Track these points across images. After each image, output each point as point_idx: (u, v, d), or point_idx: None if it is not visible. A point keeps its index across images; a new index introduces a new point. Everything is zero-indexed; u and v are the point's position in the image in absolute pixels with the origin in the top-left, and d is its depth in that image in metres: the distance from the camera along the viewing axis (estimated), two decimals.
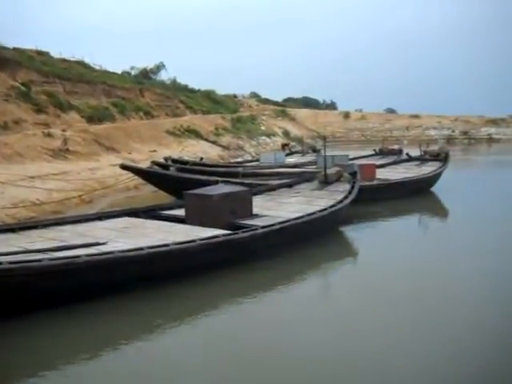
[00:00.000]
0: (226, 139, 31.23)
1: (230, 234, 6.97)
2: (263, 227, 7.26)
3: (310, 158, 19.93)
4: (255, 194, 9.73)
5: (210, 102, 45.20)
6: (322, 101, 78.06)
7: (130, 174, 12.81)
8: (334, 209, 8.66)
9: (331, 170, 10.47)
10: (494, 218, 10.51)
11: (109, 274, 5.65)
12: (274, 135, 39.64)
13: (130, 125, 26.16)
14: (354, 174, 10.25)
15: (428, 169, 14.77)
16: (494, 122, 52.45)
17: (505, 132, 50.27)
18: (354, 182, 9.95)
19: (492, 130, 50.86)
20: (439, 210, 12.60)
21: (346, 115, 57.17)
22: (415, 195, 12.79)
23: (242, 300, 5.86)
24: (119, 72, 41.81)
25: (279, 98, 66.65)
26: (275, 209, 9.01)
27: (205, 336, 4.92)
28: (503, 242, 8.43)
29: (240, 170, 15.33)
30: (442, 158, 15.58)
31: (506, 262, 7.25)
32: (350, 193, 9.53)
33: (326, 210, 8.50)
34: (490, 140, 48.20)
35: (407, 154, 16.92)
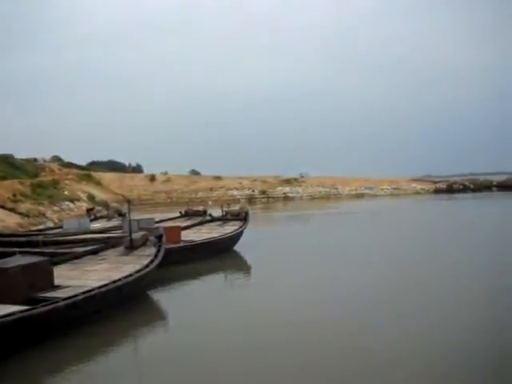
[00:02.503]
0: (25, 206, 29.22)
1: (27, 310, 6.54)
2: (65, 299, 6.97)
3: (116, 222, 19.58)
4: (57, 263, 9.34)
5: (7, 166, 42.20)
6: (127, 164, 77.83)
7: None
8: (140, 274, 8.68)
9: (137, 235, 10.50)
10: (288, 268, 11.49)
11: None
12: (78, 200, 38.24)
13: None
14: (159, 238, 10.39)
15: (230, 228, 15.51)
16: (287, 182, 57.39)
17: (297, 190, 55.28)
18: (160, 246, 10.09)
19: (286, 188, 55.55)
20: (242, 266, 13.31)
21: (152, 178, 57.57)
22: (220, 254, 13.37)
23: None
24: None
25: (83, 162, 64.88)
26: (80, 278, 8.73)
27: None
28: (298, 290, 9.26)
29: (40, 238, 14.47)
30: (242, 217, 16.46)
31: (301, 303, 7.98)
32: (155, 256, 9.64)
33: (131, 275, 8.48)
34: (286, 198, 52.52)
35: (210, 215, 17.54)
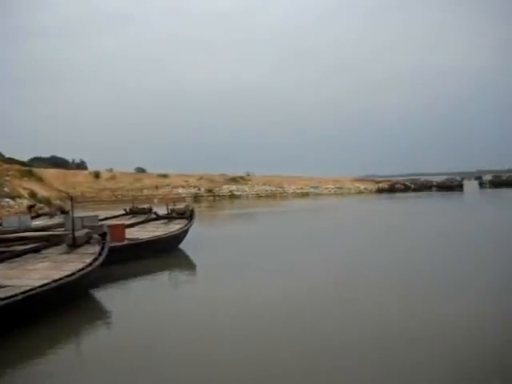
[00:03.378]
0: None
1: None
2: (3, 299, 6.84)
3: (58, 220, 19.16)
4: None
5: None
6: (71, 160, 75.96)
7: None
8: (82, 272, 8.60)
9: (80, 232, 10.37)
10: (231, 266, 11.65)
11: None
12: (19, 197, 37.02)
13: None
14: (103, 235, 10.33)
15: (175, 226, 15.52)
16: (234, 180, 57.62)
17: (244, 189, 55.60)
18: (104, 244, 10.03)
19: (233, 187, 55.79)
20: (186, 265, 13.37)
21: (97, 175, 56.54)
22: (164, 253, 13.39)
23: None
24: None
25: (25, 158, 62.97)
26: (20, 277, 8.55)
27: None
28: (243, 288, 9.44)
29: None
30: (188, 215, 16.50)
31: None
32: (99, 255, 9.57)
33: (74, 274, 8.40)
34: (232, 196, 52.74)
35: (155, 213, 17.48)
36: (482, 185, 62.95)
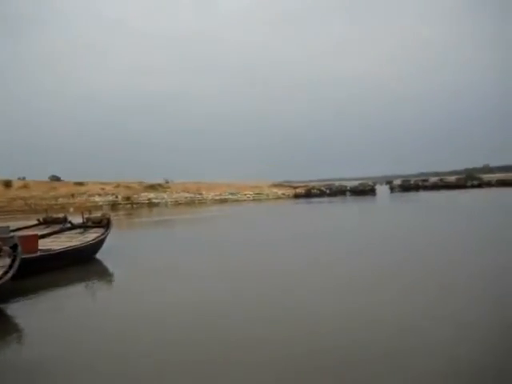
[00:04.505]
0: None
1: None
2: None
3: None
4: None
5: None
6: None
7: None
8: None
9: None
10: (147, 275, 11.67)
11: None
12: None
13: None
14: (14, 247, 10.03)
15: (92, 235, 15.22)
16: (152, 188, 56.97)
17: (162, 196, 55.11)
18: (15, 256, 9.74)
19: (151, 194, 55.13)
20: (102, 274, 13.09)
21: (8, 184, 53.96)
22: (80, 263, 13.14)
23: None
24: None
25: None
26: None
27: None
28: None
29: None
30: (104, 224, 16.25)
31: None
32: (10, 267, 9.29)
33: None
34: (151, 204, 52.11)
35: (70, 222, 17.03)
36: (392, 189, 66.33)
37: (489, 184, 66.93)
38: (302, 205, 44.56)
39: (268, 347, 6.46)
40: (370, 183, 66.52)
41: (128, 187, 55.89)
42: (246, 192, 58.37)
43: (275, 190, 61.52)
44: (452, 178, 79.58)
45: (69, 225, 16.96)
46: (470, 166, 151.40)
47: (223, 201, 54.20)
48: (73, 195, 52.49)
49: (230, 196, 56.61)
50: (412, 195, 52.25)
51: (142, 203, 52.43)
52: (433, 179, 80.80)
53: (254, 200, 55.03)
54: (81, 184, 55.75)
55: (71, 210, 38.07)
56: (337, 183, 71.48)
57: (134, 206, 50.85)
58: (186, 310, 8.52)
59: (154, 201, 53.61)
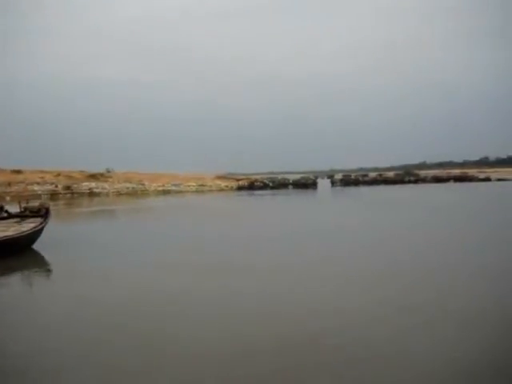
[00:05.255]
0: None
1: None
2: None
3: None
4: None
5: None
6: None
7: None
8: None
9: None
10: (88, 263, 11.78)
11: None
12: None
13: None
14: None
15: (29, 225, 14.94)
16: (94, 177, 56.01)
17: (104, 186, 54.32)
18: None
19: (92, 184, 54.22)
20: (39, 265, 12.95)
21: None
22: (16, 253, 12.96)
23: None
24: None
25: None
26: None
27: None
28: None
29: None
30: (42, 213, 16.04)
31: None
32: None
33: None
34: (92, 194, 51.30)
35: (7, 211, 16.71)
36: (333, 183, 68.07)
37: (424, 180, 70.70)
38: (244, 197, 45.14)
39: None
40: (312, 177, 67.93)
41: (69, 176, 54.69)
42: (189, 183, 58.36)
43: (218, 182, 61.78)
44: (391, 174, 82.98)
45: (5, 214, 16.62)
46: (409, 162, 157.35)
47: (166, 192, 53.96)
48: (9, 184, 50.87)
49: (173, 187, 56.46)
50: (352, 189, 53.86)
51: (83, 193, 51.54)
52: (372, 174, 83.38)
53: (197, 191, 55.13)
54: (18, 172, 54.07)
55: (8, 198, 37.03)
56: (279, 176, 72.48)
57: (75, 195, 49.90)
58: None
59: (96, 190, 52.78)
